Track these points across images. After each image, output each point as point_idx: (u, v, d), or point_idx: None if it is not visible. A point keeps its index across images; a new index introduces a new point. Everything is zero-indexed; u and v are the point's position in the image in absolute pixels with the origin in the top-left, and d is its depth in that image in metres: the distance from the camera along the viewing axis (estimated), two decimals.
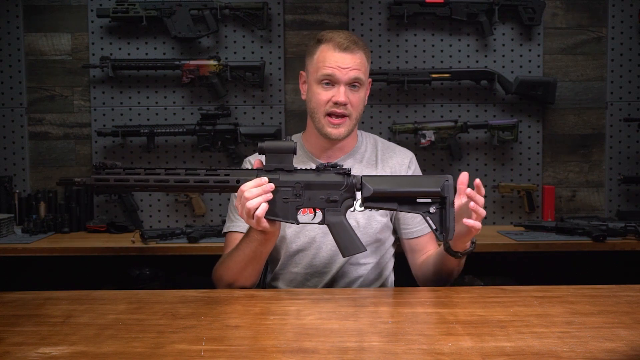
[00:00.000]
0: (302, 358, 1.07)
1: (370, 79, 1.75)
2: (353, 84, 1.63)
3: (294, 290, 1.63)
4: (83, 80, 3.16)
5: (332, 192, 1.42)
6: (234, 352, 1.10)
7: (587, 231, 2.73)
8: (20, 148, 3.15)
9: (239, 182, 1.40)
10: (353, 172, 1.47)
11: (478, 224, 1.42)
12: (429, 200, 1.39)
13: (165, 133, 3.04)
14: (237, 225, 1.68)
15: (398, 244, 1.82)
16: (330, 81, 1.63)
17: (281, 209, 1.41)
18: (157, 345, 1.12)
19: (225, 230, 1.72)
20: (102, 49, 3.11)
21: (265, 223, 1.39)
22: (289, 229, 1.68)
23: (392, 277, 1.81)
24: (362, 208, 1.68)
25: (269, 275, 1.79)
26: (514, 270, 2.98)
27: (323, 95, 1.63)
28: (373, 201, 1.41)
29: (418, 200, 1.39)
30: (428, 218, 1.39)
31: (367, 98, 1.74)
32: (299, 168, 1.43)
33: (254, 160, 1.70)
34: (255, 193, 1.37)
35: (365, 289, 1.66)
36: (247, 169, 1.44)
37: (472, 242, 1.54)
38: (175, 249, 2.69)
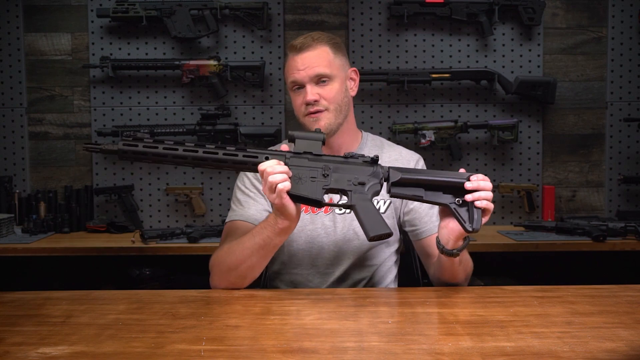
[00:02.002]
0: (302, 358, 1.07)
1: (354, 69, 1.72)
2: (319, 80, 1.62)
3: (294, 290, 1.63)
4: (83, 80, 3.16)
5: (360, 175, 1.42)
6: (234, 352, 1.10)
7: (587, 231, 2.73)
8: (20, 148, 3.15)
9: (268, 159, 1.39)
10: None
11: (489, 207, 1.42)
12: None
13: (165, 133, 3.04)
14: (238, 214, 1.66)
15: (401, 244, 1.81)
16: (299, 85, 1.64)
17: (308, 188, 1.39)
18: (157, 345, 1.12)
19: (227, 220, 1.70)
20: (102, 49, 3.11)
21: (287, 198, 1.37)
22: None
23: (396, 281, 1.79)
24: (389, 197, 1.65)
25: (269, 276, 1.78)
26: (514, 270, 2.97)
27: (297, 100, 1.65)
28: (400, 186, 1.42)
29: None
30: (454, 210, 1.41)
31: (355, 88, 1.71)
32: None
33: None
34: (278, 170, 1.36)
35: (365, 289, 1.66)
36: (276, 150, 1.43)
37: (465, 238, 1.50)
38: (175, 249, 2.69)
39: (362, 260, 1.69)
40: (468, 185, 1.40)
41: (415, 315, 1.32)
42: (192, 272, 2.89)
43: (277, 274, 1.74)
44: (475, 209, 1.39)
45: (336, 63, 1.65)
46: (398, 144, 1.85)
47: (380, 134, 3.05)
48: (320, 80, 1.62)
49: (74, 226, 2.97)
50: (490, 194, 1.41)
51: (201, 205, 3.11)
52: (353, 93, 1.71)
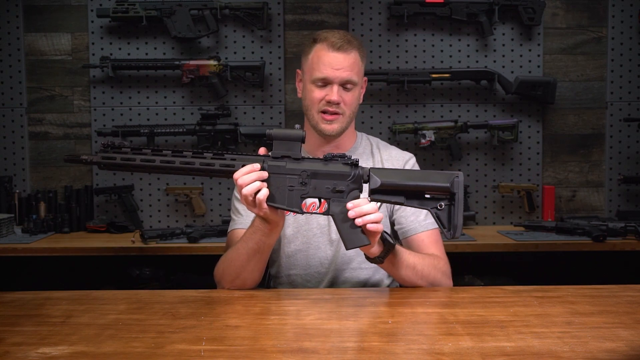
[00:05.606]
0: (302, 358, 1.07)
1: (365, 78, 1.75)
2: (345, 84, 1.65)
3: (294, 291, 1.63)
4: (83, 80, 3.16)
5: (339, 182, 1.38)
6: (234, 352, 1.10)
7: (587, 231, 2.73)
8: (20, 148, 3.15)
9: (245, 166, 1.38)
10: None
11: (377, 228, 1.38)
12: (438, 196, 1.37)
13: (165, 133, 3.04)
14: (239, 223, 1.67)
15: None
16: (325, 82, 1.65)
17: (286, 197, 1.38)
18: (157, 345, 1.12)
19: (229, 229, 1.71)
20: (102, 49, 3.11)
21: (266, 208, 1.37)
22: (287, 229, 1.68)
23: (396, 283, 1.79)
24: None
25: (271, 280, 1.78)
26: (514, 270, 2.98)
27: (317, 93, 1.65)
28: (380, 193, 1.38)
29: (427, 195, 1.37)
30: (435, 215, 1.38)
31: (362, 96, 1.74)
32: (306, 157, 1.41)
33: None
34: (249, 179, 1.35)
35: (365, 289, 1.66)
36: (254, 155, 1.41)
37: (383, 241, 1.46)
38: (175, 249, 2.69)
39: (359, 263, 1.68)
40: (349, 206, 1.36)
41: (415, 315, 1.32)
42: (192, 272, 2.90)
43: (275, 277, 1.74)
44: (456, 215, 1.35)
45: (361, 71, 1.70)
46: (397, 144, 1.86)
47: (380, 134, 3.07)
48: (346, 84, 1.65)
49: (74, 226, 2.97)
50: (376, 217, 1.36)
51: (201, 205, 3.11)
52: (361, 100, 1.75)
